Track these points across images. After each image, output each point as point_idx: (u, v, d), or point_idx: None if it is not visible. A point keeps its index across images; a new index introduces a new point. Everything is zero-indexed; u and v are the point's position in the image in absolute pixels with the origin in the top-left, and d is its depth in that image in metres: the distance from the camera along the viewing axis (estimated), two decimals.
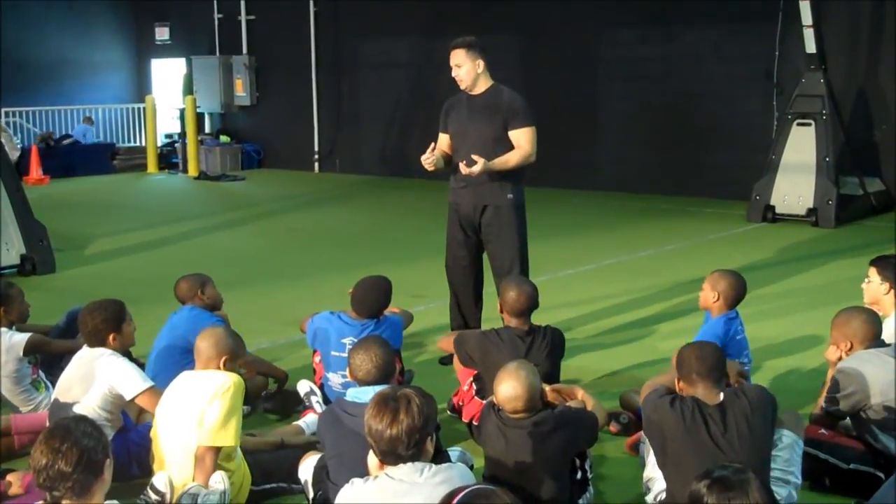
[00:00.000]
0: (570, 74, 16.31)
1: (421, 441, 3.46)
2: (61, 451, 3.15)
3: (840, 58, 13.50)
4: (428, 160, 6.57)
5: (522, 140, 6.56)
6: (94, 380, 4.77)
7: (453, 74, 6.61)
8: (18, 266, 9.78)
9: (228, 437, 4.31)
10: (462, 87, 6.63)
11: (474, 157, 6.38)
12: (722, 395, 4.02)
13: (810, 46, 12.58)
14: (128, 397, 4.75)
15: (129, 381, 4.75)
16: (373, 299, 5.74)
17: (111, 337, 4.87)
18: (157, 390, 4.70)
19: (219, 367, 4.46)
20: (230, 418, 4.30)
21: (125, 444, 4.79)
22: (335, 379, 5.59)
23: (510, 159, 6.52)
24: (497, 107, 6.58)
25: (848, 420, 4.84)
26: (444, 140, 6.80)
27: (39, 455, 3.17)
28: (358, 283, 5.82)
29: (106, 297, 5.10)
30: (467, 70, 6.54)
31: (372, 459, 3.54)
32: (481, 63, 6.55)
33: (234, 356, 4.55)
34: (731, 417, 3.94)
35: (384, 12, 18.19)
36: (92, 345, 4.89)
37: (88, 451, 3.19)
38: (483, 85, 6.62)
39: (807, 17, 12.31)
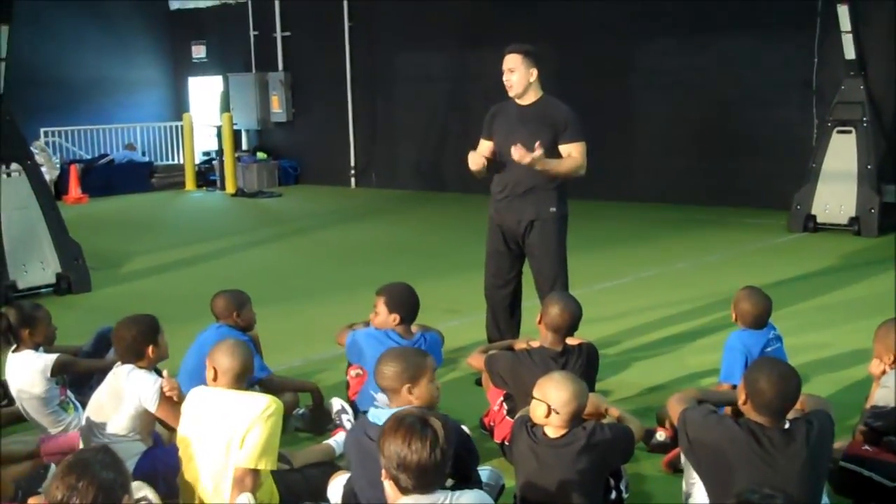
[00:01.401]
0: (606, 84, 16.17)
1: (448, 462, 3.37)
2: (77, 488, 3.04)
3: (880, 63, 13.23)
4: (474, 159, 6.46)
5: (574, 153, 6.47)
6: (124, 397, 4.73)
7: (504, 79, 6.50)
8: (54, 285, 9.82)
9: (270, 461, 4.27)
10: (511, 93, 6.53)
11: (534, 149, 6.22)
12: (787, 423, 3.80)
13: (849, 52, 12.42)
14: (152, 409, 4.71)
15: (153, 393, 4.70)
16: (414, 301, 5.73)
17: (149, 349, 4.80)
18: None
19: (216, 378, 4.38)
20: (272, 442, 4.26)
21: (153, 460, 4.74)
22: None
23: (562, 163, 6.42)
24: (547, 119, 6.47)
25: (893, 436, 4.69)
26: (485, 146, 6.66)
27: (55, 490, 3.07)
28: (394, 292, 5.74)
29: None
30: (520, 77, 6.45)
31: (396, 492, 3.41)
32: (535, 72, 6.47)
33: (226, 370, 4.38)
34: (794, 446, 3.72)
35: (418, 26, 18.21)
36: (126, 360, 4.82)
37: (105, 488, 3.08)
38: (533, 95, 6.54)
39: (845, 22, 12.15)
